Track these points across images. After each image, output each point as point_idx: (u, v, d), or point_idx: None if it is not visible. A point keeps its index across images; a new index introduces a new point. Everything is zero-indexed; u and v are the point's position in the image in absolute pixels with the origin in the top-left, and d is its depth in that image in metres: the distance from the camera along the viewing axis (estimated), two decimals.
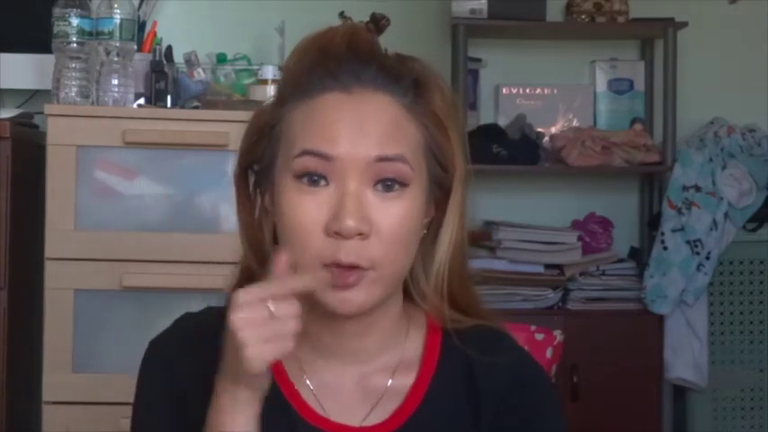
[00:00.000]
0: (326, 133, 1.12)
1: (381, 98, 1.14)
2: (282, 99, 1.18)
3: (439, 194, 1.19)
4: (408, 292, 1.23)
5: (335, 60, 1.15)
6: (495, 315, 1.27)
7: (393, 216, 1.13)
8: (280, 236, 1.16)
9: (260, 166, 1.20)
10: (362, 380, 1.21)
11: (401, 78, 1.16)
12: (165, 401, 1.20)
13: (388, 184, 1.13)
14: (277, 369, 1.18)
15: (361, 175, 1.12)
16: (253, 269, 1.23)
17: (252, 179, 1.22)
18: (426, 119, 1.16)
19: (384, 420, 1.19)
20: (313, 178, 1.12)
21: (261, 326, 1.04)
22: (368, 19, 1.21)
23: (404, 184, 1.13)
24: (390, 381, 1.21)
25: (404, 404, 1.20)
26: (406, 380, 1.21)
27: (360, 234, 1.11)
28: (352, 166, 1.11)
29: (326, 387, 1.20)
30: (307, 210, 1.12)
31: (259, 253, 1.22)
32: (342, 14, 1.23)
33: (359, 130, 1.12)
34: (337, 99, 1.14)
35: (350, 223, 1.10)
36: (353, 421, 1.19)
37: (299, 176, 1.13)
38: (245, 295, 1.05)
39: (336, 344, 1.20)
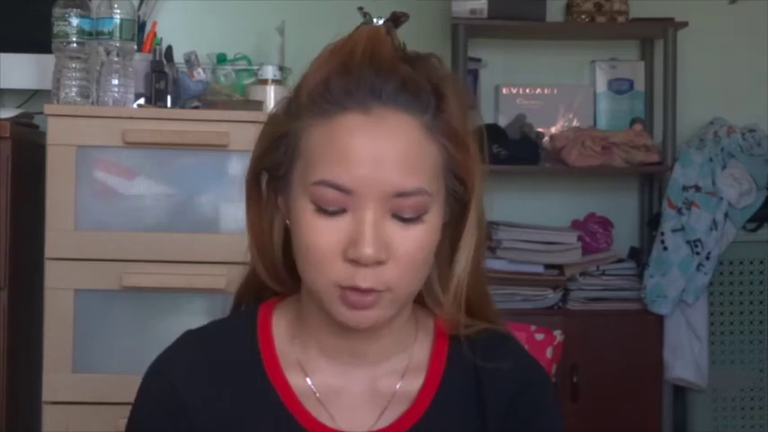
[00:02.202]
0: (345, 163, 1.10)
1: (401, 118, 1.12)
2: (299, 111, 1.15)
3: (456, 206, 1.18)
4: (418, 295, 1.21)
5: (355, 77, 1.12)
6: (501, 317, 1.27)
7: (411, 241, 1.12)
8: (296, 253, 1.16)
9: (274, 173, 1.18)
10: (371, 383, 1.20)
11: (421, 92, 1.13)
12: (166, 428, 1.17)
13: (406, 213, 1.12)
14: (274, 371, 1.18)
15: (379, 205, 1.10)
16: (261, 274, 1.23)
17: (264, 178, 1.20)
18: (446, 138, 1.14)
19: (392, 424, 1.19)
20: (330, 206, 1.11)
21: None
22: (387, 16, 1.18)
23: (422, 213, 1.13)
24: (399, 384, 1.20)
25: (412, 408, 1.19)
26: (415, 384, 1.21)
27: (378, 262, 1.10)
28: (370, 196, 1.10)
29: (332, 390, 1.20)
30: (324, 235, 1.11)
31: (268, 258, 1.22)
32: (361, 9, 1.20)
33: (378, 160, 1.10)
34: (356, 121, 1.11)
35: (368, 252, 1.09)
36: (363, 426, 1.18)
37: (317, 202, 1.12)
38: None
39: (344, 347, 1.19)
